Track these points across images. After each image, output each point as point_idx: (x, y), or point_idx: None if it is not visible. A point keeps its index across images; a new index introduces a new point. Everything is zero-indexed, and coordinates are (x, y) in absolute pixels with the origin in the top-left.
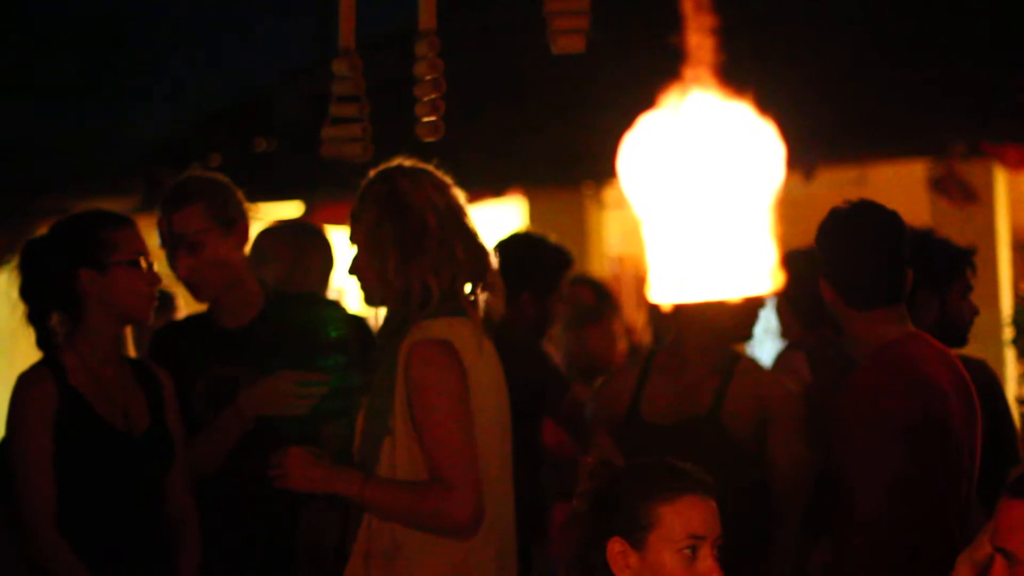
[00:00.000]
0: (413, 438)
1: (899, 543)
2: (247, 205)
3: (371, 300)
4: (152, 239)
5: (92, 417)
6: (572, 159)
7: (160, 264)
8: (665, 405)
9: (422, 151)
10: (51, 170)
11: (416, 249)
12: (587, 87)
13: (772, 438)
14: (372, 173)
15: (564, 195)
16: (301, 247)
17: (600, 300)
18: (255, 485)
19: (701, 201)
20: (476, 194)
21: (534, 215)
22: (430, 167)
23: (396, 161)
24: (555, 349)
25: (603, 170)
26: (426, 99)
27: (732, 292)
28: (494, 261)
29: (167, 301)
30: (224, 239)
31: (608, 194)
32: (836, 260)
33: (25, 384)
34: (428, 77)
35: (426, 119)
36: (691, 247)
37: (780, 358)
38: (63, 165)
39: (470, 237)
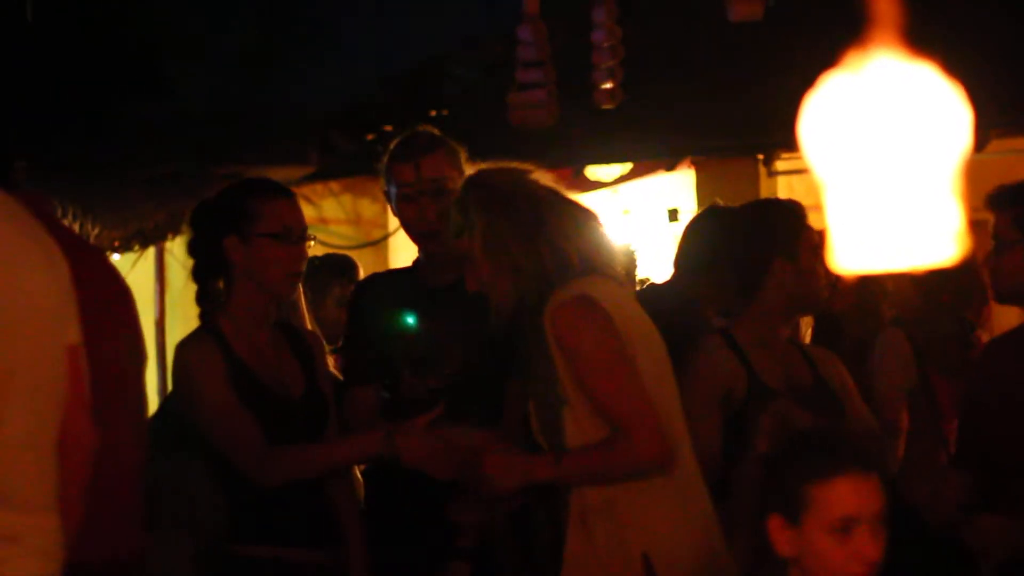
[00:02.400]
0: (587, 399)
1: None
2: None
3: (503, 311)
4: (324, 208)
5: (255, 382)
6: (742, 128)
7: (323, 234)
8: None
9: (598, 118)
10: (228, 137)
11: (536, 227)
12: (758, 55)
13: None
14: (467, 178)
15: (733, 165)
16: None
17: None
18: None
19: (885, 167)
20: (647, 166)
21: (703, 185)
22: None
23: (473, 169)
24: None
25: (773, 139)
26: (604, 66)
27: (918, 260)
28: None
29: (350, 270)
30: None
31: (778, 164)
32: None
33: (193, 347)
34: (606, 44)
35: (604, 86)
36: (875, 214)
37: (881, 334)
38: (240, 132)
39: (584, 215)
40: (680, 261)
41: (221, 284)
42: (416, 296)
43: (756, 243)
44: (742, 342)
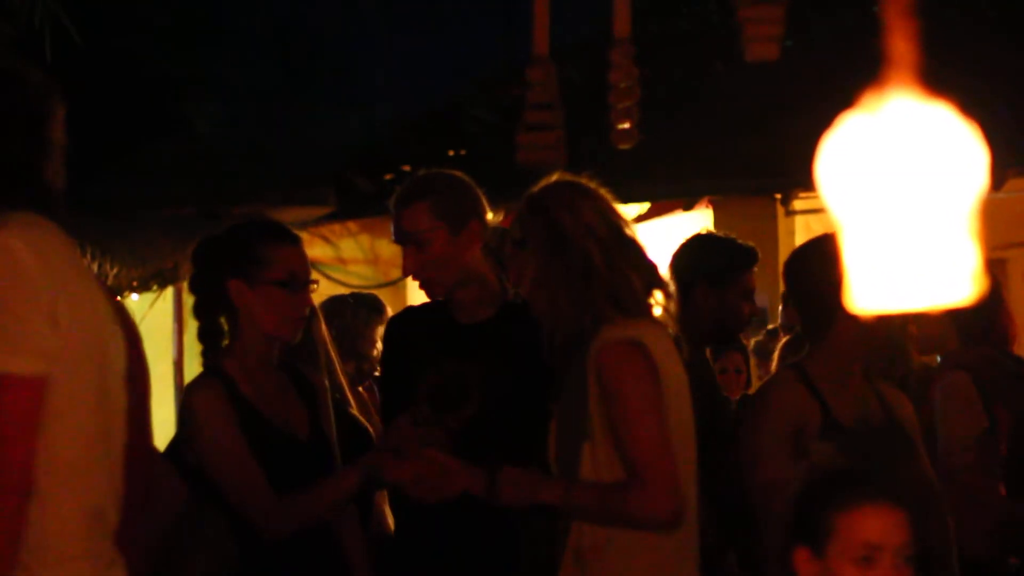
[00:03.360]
0: (612, 441)
1: None
2: (483, 202)
3: (542, 325)
4: (342, 248)
5: (262, 424)
6: (760, 168)
7: (341, 274)
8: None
9: (614, 159)
10: (247, 177)
11: (584, 286)
12: (774, 95)
13: None
14: (527, 196)
15: (751, 204)
16: None
17: None
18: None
19: (902, 207)
20: (665, 206)
21: (720, 224)
22: (583, 180)
23: (547, 181)
24: None
25: (791, 179)
26: (621, 106)
27: (936, 300)
28: (662, 268)
29: (376, 306)
30: (453, 237)
31: (796, 203)
32: None
33: (200, 391)
34: (623, 84)
35: (620, 126)
36: (893, 254)
37: (941, 378)
38: (259, 172)
39: (637, 254)
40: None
41: (223, 321)
42: (446, 333)
43: (824, 281)
44: (815, 378)
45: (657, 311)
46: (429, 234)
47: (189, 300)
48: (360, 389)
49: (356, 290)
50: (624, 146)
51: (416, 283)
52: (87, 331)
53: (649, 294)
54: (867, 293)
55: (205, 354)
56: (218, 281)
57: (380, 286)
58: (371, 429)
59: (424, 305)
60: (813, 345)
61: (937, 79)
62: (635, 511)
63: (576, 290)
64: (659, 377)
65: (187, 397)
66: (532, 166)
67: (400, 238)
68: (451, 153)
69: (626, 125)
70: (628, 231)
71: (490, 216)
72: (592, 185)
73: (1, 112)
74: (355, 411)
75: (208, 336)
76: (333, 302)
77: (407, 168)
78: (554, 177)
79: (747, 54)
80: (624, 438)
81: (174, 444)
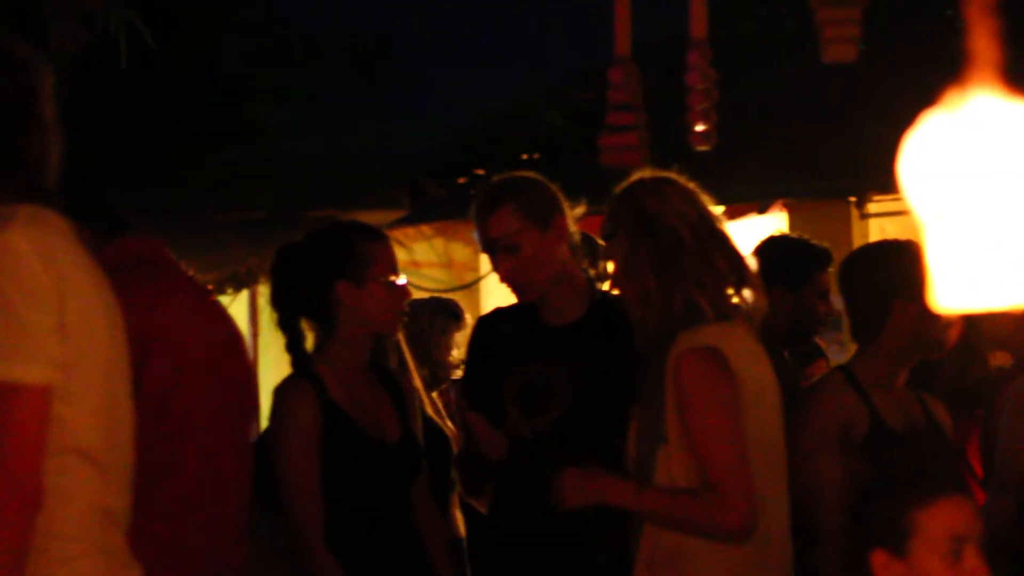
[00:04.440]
0: (687, 446)
1: None
2: (563, 200)
3: (633, 315)
4: (416, 251)
5: (353, 430)
6: (835, 171)
7: (415, 278)
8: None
9: (688, 162)
10: (320, 182)
11: (674, 268)
12: (851, 97)
13: None
14: (616, 191)
15: (826, 207)
16: None
17: None
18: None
19: (985, 204)
20: (739, 208)
21: (795, 228)
22: (672, 175)
23: (637, 175)
24: None
25: (866, 182)
26: (698, 108)
27: (1018, 299)
28: (752, 264)
29: (455, 312)
30: (541, 237)
31: (870, 206)
32: None
33: (288, 398)
34: (700, 86)
35: (698, 128)
36: (976, 252)
37: (1012, 382)
38: (332, 177)
39: (726, 242)
40: None
41: (306, 329)
42: (533, 334)
43: (875, 284)
44: (863, 381)
45: (740, 306)
46: (518, 236)
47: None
48: (434, 395)
49: (431, 294)
50: (702, 148)
51: (491, 286)
52: (96, 331)
53: (736, 283)
54: (950, 292)
55: (296, 363)
56: (321, 284)
57: (453, 289)
58: (448, 432)
59: (512, 306)
60: (862, 348)
61: (1018, 77)
62: (707, 520)
63: (665, 271)
64: (736, 384)
65: (277, 399)
66: (614, 167)
67: (488, 246)
68: (524, 157)
69: (704, 127)
70: (719, 224)
71: (573, 211)
72: (681, 179)
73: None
74: (431, 413)
75: (296, 345)
76: (411, 306)
77: (480, 172)
78: (642, 172)
79: (825, 55)
80: (698, 446)
81: (262, 439)
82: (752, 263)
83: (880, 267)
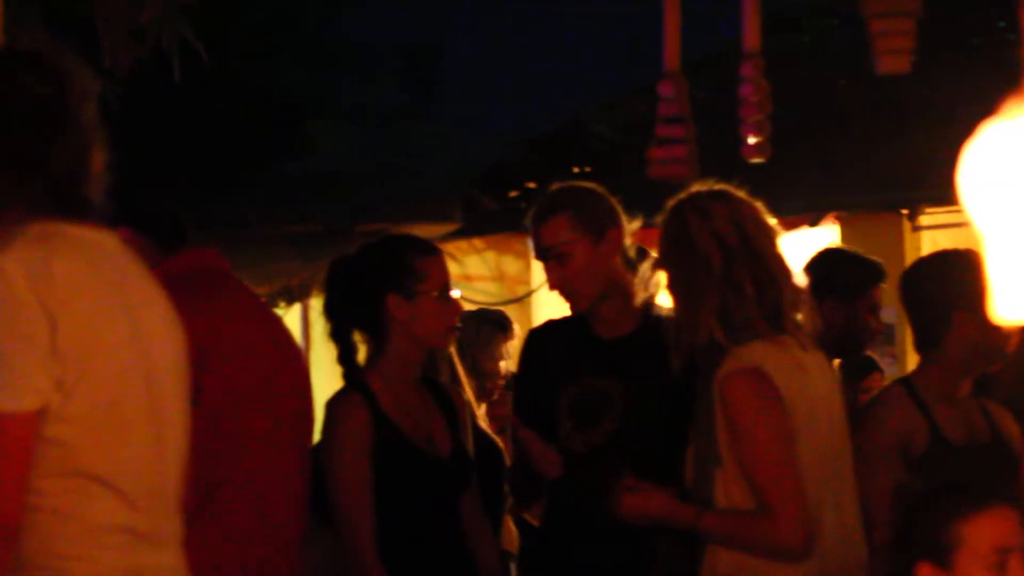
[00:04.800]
0: (739, 467)
1: None
2: (620, 213)
3: (683, 346)
4: (468, 265)
5: (404, 443)
6: (887, 183)
7: (467, 291)
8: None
9: (738, 176)
10: (372, 195)
11: (697, 293)
12: (904, 109)
13: None
14: (669, 204)
15: (878, 220)
16: None
17: None
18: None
19: None
20: (791, 221)
21: (847, 240)
22: (730, 189)
23: (692, 188)
24: None
25: (918, 194)
26: (751, 119)
27: None
28: (800, 280)
29: (501, 323)
30: (594, 248)
31: (923, 219)
32: None
33: (340, 411)
34: (753, 98)
35: (752, 139)
36: None
37: None
38: (384, 190)
39: (765, 264)
40: None
41: (359, 341)
42: (586, 347)
43: (936, 295)
44: (924, 394)
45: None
46: (571, 246)
47: (315, 317)
48: (483, 407)
49: (482, 307)
50: (755, 160)
51: (542, 299)
52: (105, 351)
53: (780, 308)
54: (1009, 301)
55: (348, 375)
56: (373, 297)
57: (506, 303)
58: (499, 444)
59: (564, 319)
60: (923, 360)
61: None
62: (763, 540)
63: (693, 297)
64: (783, 404)
65: (329, 412)
66: (663, 180)
67: (541, 254)
68: (576, 170)
69: (757, 139)
70: (764, 243)
71: (629, 224)
72: (738, 193)
73: (5, 102)
74: (483, 425)
75: (348, 356)
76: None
77: (532, 185)
78: (700, 185)
79: (878, 67)
80: (749, 468)
81: (314, 452)
82: (801, 280)
83: (939, 279)
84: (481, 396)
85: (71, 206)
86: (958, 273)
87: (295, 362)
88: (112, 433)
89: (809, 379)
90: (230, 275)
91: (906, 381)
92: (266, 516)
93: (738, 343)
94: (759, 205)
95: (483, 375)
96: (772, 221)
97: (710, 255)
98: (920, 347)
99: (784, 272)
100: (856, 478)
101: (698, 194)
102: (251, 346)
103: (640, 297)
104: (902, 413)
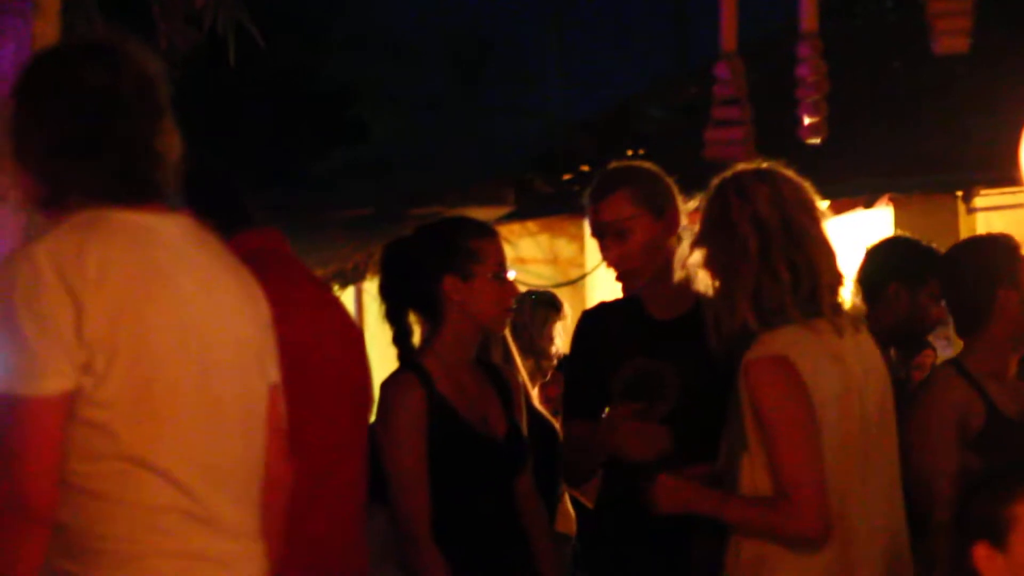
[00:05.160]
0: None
1: None
2: (677, 193)
3: (707, 306)
4: (521, 248)
5: (460, 424)
6: (942, 165)
7: (521, 274)
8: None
9: (792, 157)
10: (426, 179)
11: (733, 275)
12: (960, 90)
13: None
14: (713, 182)
15: (932, 202)
16: None
17: None
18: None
19: None
20: (845, 203)
21: (901, 222)
22: (776, 168)
23: (737, 168)
24: None
25: (973, 176)
26: (809, 100)
27: None
28: (839, 264)
29: (554, 303)
30: (654, 225)
31: (977, 200)
32: None
33: (396, 391)
34: (811, 79)
35: (809, 120)
36: None
37: None
38: (437, 175)
39: (805, 250)
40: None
41: (414, 323)
42: (640, 328)
43: (979, 275)
44: (975, 373)
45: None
46: (631, 222)
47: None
48: (537, 387)
49: (532, 288)
50: (812, 140)
51: (596, 282)
52: (146, 337)
53: (817, 292)
54: None
55: (403, 357)
56: (429, 278)
57: (559, 285)
58: (556, 424)
59: (618, 300)
60: (968, 341)
61: None
62: (780, 527)
63: (729, 279)
64: (806, 392)
65: (384, 392)
66: (719, 162)
67: (599, 230)
68: (629, 152)
69: (814, 119)
70: (807, 224)
71: (685, 205)
72: (784, 173)
73: (55, 98)
74: (538, 406)
75: (402, 338)
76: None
77: (586, 168)
78: (745, 164)
79: (936, 47)
80: (771, 454)
81: (370, 432)
82: (842, 265)
83: (982, 259)
84: (536, 376)
85: (132, 190)
86: (1000, 252)
87: (355, 342)
88: (155, 417)
89: (842, 366)
90: (291, 256)
91: (955, 362)
92: (326, 492)
93: (768, 328)
94: (806, 185)
95: (540, 355)
96: (818, 202)
97: (748, 238)
98: (963, 329)
99: (825, 255)
100: (912, 461)
101: (742, 174)
102: (312, 326)
103: (678, 275)
104: (957, 392)
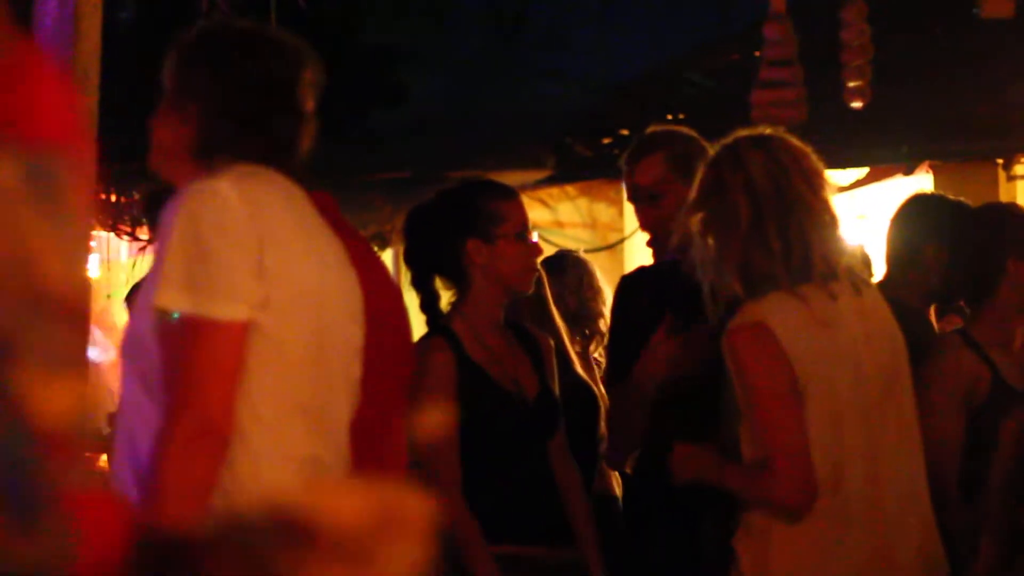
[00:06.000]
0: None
1: None
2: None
3: (696, 273)
4: (560, 212)
5: (490, 386)
6: (983, 132)
7: (559, 238)
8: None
9: (835, 123)
10: (464, 142)
11: (723, 244)
12: (1005, 56)
13: None
14: (709, 151)
15: (972, 169)
16: None
17: None
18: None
19: None
20: (885, 170)
21: (941, 189)
22: (777, 134)
23: (743, 132)
24: None
25: (1014, 143)
26: (853, 64)
27: None
28: (839, 236)
29: (581, 266)
30: (687, 191)
31: (1018, 168)
32: None
33: (425, 354)
34: (856, 42)
35: (853, 84)
36: None
37: None
38: (476, 137)
39: (798, 219)
40: (889, 256)
41: (441, 289)
42: (674, 294)
43: (989, 244)
44: (982, 342)
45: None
46: (665, 186)
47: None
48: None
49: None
50: (856, 104)
51: (635, 246)
52: (300, 284)
53: (809, 260)
54: None
55: (431, 322)
56: (452, 243)
57: (597, 250)
58: (596, 388)
59: (656, 264)
60: (975, 309)
61: None
62: (762, 493)
63: (719, 246)
64: (785, 359)
65: (414, 355)
66: (769, 124)
67: (634, 194)
68: (669, 117)
69: (859, 83)
70: (804, 192)
71: None
72: (786, 140)
73: (241, 71)
74: (579, 369)
75: (430, 303)
76: (552, 262)
77: (625, 132)
78: (745, 130)
79: (982, 11)
80: (754, 421)
81: None
82: (843, 239)
83: (992, 228)
84: (587, 339)
85: (281, 164)
86: (1011, 222)
87: (398, 302)
88: (308, 360)
89: (832, 330)
90: (342, 219)
91: (962, 331)
92: (371, 452)
93: (753, 296)
94: (809, 151)
95: (585, 319)
96: (824, 172)
97: (739, 205)
98: (972, 297)
99: (820, 226)
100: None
101: (738, 141)
102: (363, 286)
103: (674, 239)
104: (963, 360)
